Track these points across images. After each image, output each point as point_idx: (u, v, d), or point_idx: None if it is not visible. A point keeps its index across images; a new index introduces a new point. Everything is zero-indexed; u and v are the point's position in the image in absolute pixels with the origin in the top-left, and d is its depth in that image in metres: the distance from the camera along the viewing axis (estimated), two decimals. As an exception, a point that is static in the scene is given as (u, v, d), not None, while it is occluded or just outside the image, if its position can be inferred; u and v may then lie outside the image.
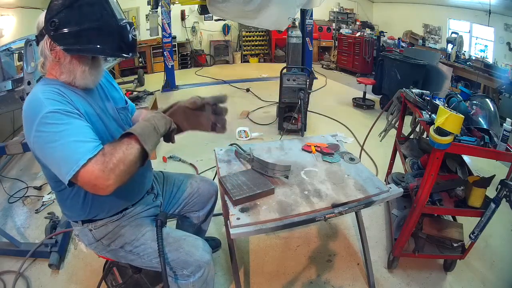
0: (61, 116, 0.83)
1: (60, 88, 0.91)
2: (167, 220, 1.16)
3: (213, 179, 1.65)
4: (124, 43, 0.94)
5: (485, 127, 1.39)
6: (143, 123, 0.93)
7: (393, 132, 2.14)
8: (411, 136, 2.10)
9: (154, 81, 5.70)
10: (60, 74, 0.94)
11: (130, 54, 0.96)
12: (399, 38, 6.36)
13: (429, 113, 1.49)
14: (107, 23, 0.90)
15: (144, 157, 0.89)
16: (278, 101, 3.44)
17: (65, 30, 0.87)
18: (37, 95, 0.87)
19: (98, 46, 0.90)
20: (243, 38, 7.74)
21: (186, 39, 7.19)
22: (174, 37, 6.51)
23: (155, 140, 0.94)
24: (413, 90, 1.74)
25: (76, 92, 0.96)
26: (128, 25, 0.93)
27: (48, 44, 0.90)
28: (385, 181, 2.13)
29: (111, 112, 1.08)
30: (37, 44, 0.95)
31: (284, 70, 3.27)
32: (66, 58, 0.92)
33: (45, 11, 0.90)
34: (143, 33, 6.35)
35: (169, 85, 5.28)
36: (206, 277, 1.08)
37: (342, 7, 8.10)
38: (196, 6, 6.00)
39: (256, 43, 7.88)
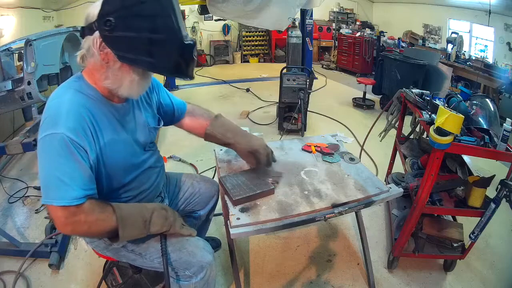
0: (65, 147, 0.79)
1: (92, 104, 0.86)
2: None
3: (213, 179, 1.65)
4: (185, 63, 0.84)
5: (485, 127, 1.39)
6: (138, 211, 0.90)
7: (393, 132, 2.14)
8: (411, 136, 2.10)
9: (154, 81, 5.70)
10: (105, 79, 0.86)
11: (188, 77, 0.87)
12: (399, 38, 6.36)
13: (429, 113, 1.49)
14: (171, 38, 0.79)
15: (115, 236, 0.87)
16: (278, 101, 3.44)
17: (121, 34, 0.77)
18: (62, 105, 0.82)
19: (156, 61, 0.81)
20: (243, 38, 7.74)
21: (186, 39, 7.18)
22: (174, 37, 6.50)
23: (137, 234, 0.91)
24: (413, 90, 1.74)
25: (111, 106, 0.92)
26: (192, 44, 0.83)
27: (97, 42, 0.80)
28: (385, 181, 2.13)
29: (140, 126, 1.04)
30: (82, 35, 0.84)
31: (284, 70, 3.28)
32: (116, 64, 0.83)
33: (100, 1, 0.78)
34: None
35: (169, 85, 5.27)
36: (208, 278, 1.08)
37: (342, 7, 8.10)
38: (196, 6, 5.99)
39: (256, 43, 7.88)
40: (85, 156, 0.83)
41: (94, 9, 0.80)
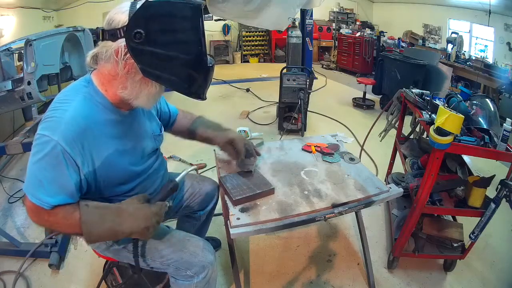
0: (54, 155, 0.77)
1: (99, 113, 0.85)
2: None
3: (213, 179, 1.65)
4: (205, 85, 0.85)
5: (485, 127, 1.39)
6: (112, 233, 0.84)
7: (393, 132, 2.14)
8: (411, 136, 2.10)
9: (154, 81, 5.70)
10: (122, 88, 0.84)
11: (202, 99, 0.88)
12: (399, 38, 6.36)
13: (429, 113, 1.49)
14: (198, 61, 0.80)
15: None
16: (278, 101, 3.45)
17: (150, 49, 0.75)
18: (67, 112, 0.79)
19: (178, 80, 0.81)
20: (243, 38, 7.73)
21: (186, 39, 7.18)
22: (174, 37, 6.49)
23: (104, 239, 0.91)
24: (413, 90, 1.74)
25: (118, 114, 0.90)
26: (212, 67, 0.85)
27: (122, 52, 0.78)
28: (385, 181, 2.13)
29: (147, 134, 1.04)
30: (100, 37, 0.81)
31: (284, 70, 3.28)
32: (137, 76, 0.81)
33: (128, 8, 0.76)
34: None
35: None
36: (209, 278, 1.08)
37: (342, 7, 8.10)
38: (196, 6, 5.99)
39: (256, 43, 7.88)
40: (73, 169, 0.81)
41: (119, 15, 0.77)
